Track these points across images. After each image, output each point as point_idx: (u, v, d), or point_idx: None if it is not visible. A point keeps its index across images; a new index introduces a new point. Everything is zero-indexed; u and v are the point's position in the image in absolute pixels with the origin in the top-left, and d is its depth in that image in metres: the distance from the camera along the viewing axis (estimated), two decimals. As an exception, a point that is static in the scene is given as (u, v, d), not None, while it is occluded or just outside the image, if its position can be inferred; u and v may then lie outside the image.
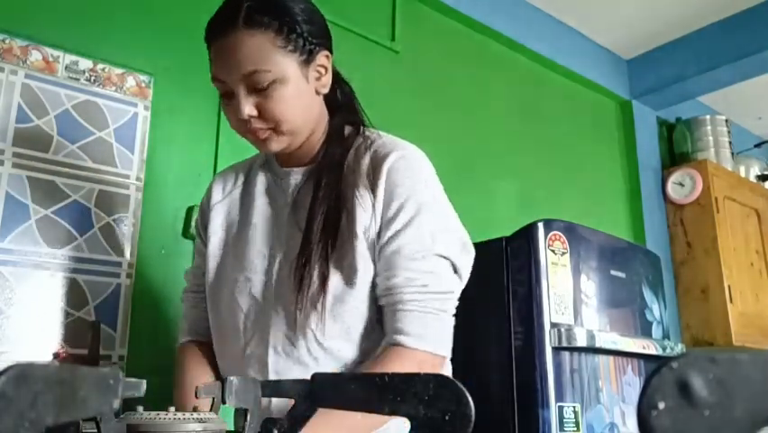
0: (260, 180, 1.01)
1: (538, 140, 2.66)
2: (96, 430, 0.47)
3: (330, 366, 0.87)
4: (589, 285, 1.75)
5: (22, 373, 0.28)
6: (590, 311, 1.72)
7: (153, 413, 0.56)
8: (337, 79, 0.98)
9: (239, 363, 0.92)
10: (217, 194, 1.06)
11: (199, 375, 0.99)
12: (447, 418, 0.41)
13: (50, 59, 1.42)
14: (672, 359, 0.23)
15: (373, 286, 0.88)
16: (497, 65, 2.59)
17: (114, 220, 1.45)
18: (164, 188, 1.55)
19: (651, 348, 1.81)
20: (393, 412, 0.45)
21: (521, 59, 2.70)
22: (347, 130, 0.98)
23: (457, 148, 2.29)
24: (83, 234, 1.40)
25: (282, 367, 0.88)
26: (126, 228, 1.47)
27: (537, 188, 2.56)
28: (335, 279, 0.86)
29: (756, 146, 3.66)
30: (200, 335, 1.05)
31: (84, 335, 1.32)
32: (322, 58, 0.91)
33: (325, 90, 0.94)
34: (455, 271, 0.90)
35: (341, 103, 0.99)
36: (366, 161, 0.91)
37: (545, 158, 2.66)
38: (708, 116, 3.25)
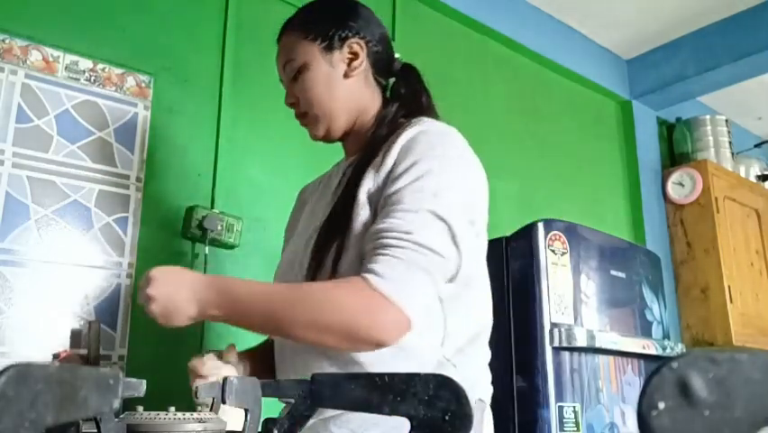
0: (327, 175, 1.11)
1: (538, 140, 2.66)
2: (96, 430, 0.47)
3: None
4: (589, 285, 1.75)
5: (22, 373, 0.28)
6: (590, 311, 1.72)
7: (153, 413, 0.56)
8: (410, 78, 1.07)
9: None
10: (305, 193, 1.19)
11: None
12: (447, 418, 0.41)
13: (50, 59, 1.42)
14: (672, 359, 0.23)
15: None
16: (497, 64, 2.59)
17: (114, 220, 1.45)
18: (164, 188, 1.55)
19: (651, 348, 1.81)
20: (393, 412, 0.45)
21: (521, 59, 2.70)
22: (402, 119, 0.98)
23: (457, 148, 2.28)
24: (83, 235, 1.40)
25: None
26: (126, 228, 1.47)
27: (537, 188, 2.56)
28: (339, 241, 0.89)
29: (756, 146, 3.66)
30: None
31: (83, 335, 1.31)
32: (352, 45, 0.98)
33: (356, 74, 0.98)
34: (453, 239, 0.82)
35: (404, 96, 1.04)
36: (394, 137, 0.90)
37: (545, 158, 2.66)
38: (708, 116, 3.25)
